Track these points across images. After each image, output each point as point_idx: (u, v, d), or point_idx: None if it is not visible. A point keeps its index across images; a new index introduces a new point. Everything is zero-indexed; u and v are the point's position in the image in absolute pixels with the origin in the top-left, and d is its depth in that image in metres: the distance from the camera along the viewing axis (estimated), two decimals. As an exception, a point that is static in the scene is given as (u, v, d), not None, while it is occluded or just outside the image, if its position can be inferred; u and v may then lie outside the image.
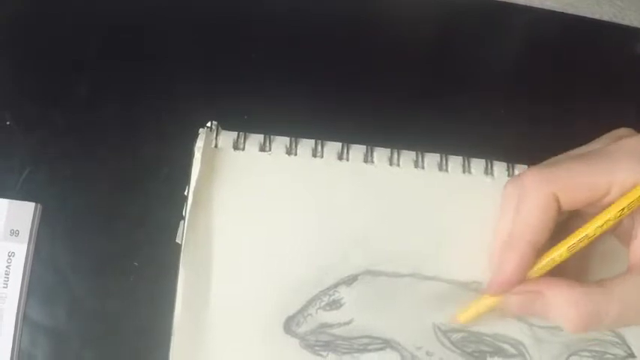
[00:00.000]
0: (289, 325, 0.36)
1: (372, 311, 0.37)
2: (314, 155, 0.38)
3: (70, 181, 0.39)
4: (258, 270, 0.37)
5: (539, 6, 0.45)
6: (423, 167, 0.39)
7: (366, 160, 0.38)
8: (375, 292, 0.37)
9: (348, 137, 0.39)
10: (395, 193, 0.38)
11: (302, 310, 0.36)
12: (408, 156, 0.39)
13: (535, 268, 0.34)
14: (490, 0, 0.45)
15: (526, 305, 0.34)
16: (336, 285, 0.37)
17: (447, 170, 0.39)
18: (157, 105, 0.40)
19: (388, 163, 0.38)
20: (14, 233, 0.38)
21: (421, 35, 0.44)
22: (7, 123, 0.40)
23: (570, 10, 0.46)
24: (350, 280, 0.37)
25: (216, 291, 0.36)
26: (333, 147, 0.38)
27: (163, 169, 0.39)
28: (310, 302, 0.36)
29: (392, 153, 0.39)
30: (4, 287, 0.38)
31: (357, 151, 0.39)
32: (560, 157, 0.37)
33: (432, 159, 0.39)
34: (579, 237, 0.34)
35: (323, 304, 0.36)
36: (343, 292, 0.37)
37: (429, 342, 0.37)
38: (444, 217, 0.38)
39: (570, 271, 0.36)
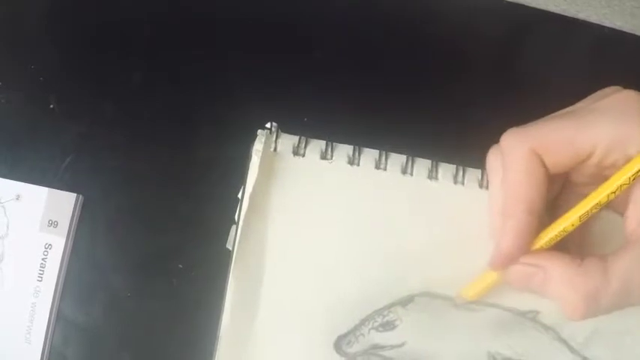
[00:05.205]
0: (340, 344, 0.34)
1: (426, 335, 0.35)
2: (377, 167, 0.36)
3: (116, 173, 0.37)
4: (310, 284, 0.35)
5: (574, 15, 0.43)
6: (487, 187, 0.37)
7: (430, 177, 0.36)
8: (430, 315, 0.35)
9: (411, 149, 0.37)
10: (458, 213, 0.36)
11: (354, 330, 0.35)
12: (473, 174, 0.37)
13: (545, 239, 0.32)
14: (532, 11, 0.42)
15: (525, 278, 0.32)
16: (391, 305, 0.35)
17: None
18: (214, 101, 0.38)
19: (453, 181, 0.37)
20: (53, 224, 0.36)
21: (495, 43, 0.42)
22: (51, 106, 0.38)
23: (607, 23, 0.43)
24: (406, 301, 0.35)
25: (266, 302, 0.35)
26: (397, 159, 0.36)
27: (216, 168, 0.37)
28: (363, 322, 0.35)
29: (457, 170, 0.37)
30: (38, 280, 0.36)
31: (422, 165, 0.37)
32: (543, 118, 0.34)
33: (496, 179, 0.37)
34: (591, 204, 0.31)
35: (376, 324, 0.35)
36: (398, 313, 0.35)
37: (481, 370, 0.35)
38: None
39: (572, 246, 0.34)
